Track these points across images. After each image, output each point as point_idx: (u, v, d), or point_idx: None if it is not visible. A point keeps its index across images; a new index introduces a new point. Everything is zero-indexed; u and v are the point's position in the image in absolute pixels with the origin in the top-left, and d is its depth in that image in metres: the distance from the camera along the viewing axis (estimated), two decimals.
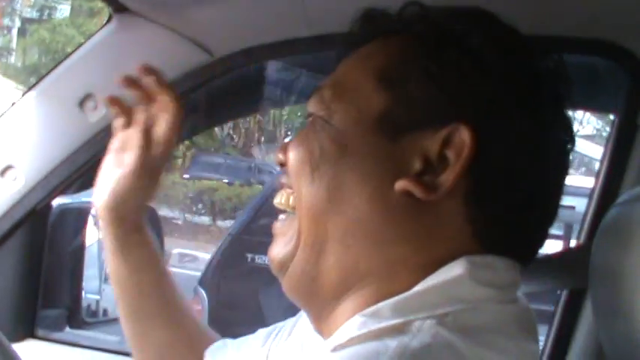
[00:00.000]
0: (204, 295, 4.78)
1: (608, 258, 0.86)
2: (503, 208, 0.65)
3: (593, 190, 1.21)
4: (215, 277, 4.78)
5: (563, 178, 0.70)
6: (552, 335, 1.22)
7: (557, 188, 0.70)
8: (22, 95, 1.29)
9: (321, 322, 0.70)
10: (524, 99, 0.66)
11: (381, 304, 0.63)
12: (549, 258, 1.20)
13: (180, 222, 12.07)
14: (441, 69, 0.65)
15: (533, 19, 1.12)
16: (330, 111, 0.69)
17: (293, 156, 0.71)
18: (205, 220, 13.58)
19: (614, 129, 1.19)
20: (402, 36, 0.70)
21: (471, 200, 0.65)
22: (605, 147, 1.19)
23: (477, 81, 0.65)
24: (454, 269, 0.64)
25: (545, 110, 0.67)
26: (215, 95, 1.48)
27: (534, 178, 0.67)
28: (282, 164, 0.73)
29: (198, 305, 4.82)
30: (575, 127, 0.74)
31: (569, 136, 0.70)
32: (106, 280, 1.68)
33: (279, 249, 0.72)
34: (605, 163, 1.18)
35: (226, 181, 13.44)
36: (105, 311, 1.63)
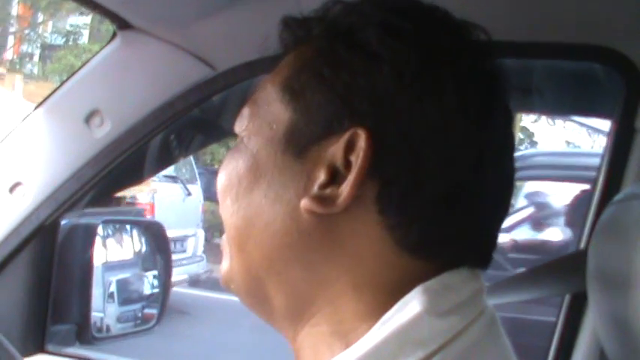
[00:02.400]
0: None
1: (604, 258, 0.86)
2: (417, 210, 0.59)
3: (591, 195, 1.20)
4: None
5: (497, 165, 0.62)
6: (555, 341, 1.21)
7: (491, 178, 0.61)
8: (30, 113, 1.31)
9: (291, 342, 0.65)
10: (421, 88, 0.59)
11: None
12: (547, 265, 1.20)
13: None
14: (334, 70, 0.60)
15: (529, 25, 1.13)
16: (249, 130, 0.65)
17: (218, 182, 0.67)
18: None
19: (611, 134, 1.19)
20: (308, 41, 0.65)
21: (383, 206, 0.59)
22: (603, 152, 1.18)
23: (368, 78, 0.59)
24: (409, 306, 0.58)
25: (450, 95, 0.59)
26: (228, 107, 1.49)
27: (449, 170, 0.59)
28: None
29: None
30: None
31: (493, 119, 0.61)
32: (107, 299, 1.71)
33: (223, 264, 0.68)
34: (604, 169, 1.17)
35: None
36: (108, 327, 1.65)
